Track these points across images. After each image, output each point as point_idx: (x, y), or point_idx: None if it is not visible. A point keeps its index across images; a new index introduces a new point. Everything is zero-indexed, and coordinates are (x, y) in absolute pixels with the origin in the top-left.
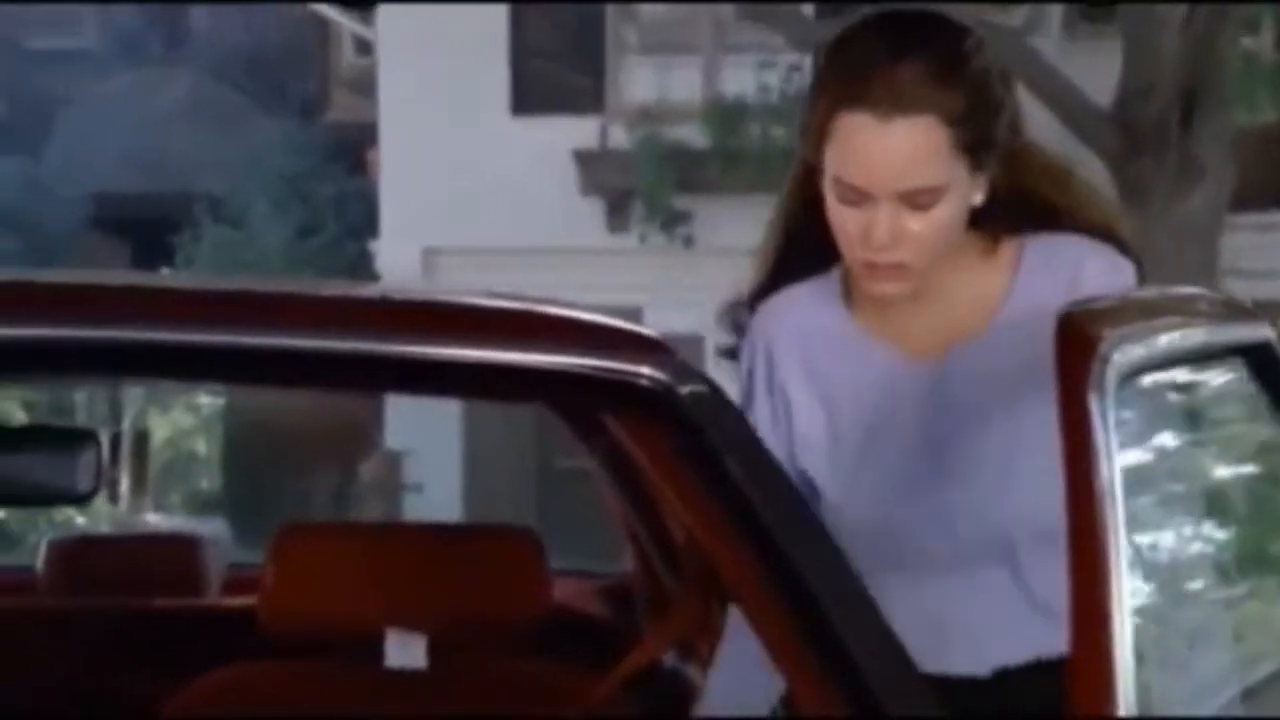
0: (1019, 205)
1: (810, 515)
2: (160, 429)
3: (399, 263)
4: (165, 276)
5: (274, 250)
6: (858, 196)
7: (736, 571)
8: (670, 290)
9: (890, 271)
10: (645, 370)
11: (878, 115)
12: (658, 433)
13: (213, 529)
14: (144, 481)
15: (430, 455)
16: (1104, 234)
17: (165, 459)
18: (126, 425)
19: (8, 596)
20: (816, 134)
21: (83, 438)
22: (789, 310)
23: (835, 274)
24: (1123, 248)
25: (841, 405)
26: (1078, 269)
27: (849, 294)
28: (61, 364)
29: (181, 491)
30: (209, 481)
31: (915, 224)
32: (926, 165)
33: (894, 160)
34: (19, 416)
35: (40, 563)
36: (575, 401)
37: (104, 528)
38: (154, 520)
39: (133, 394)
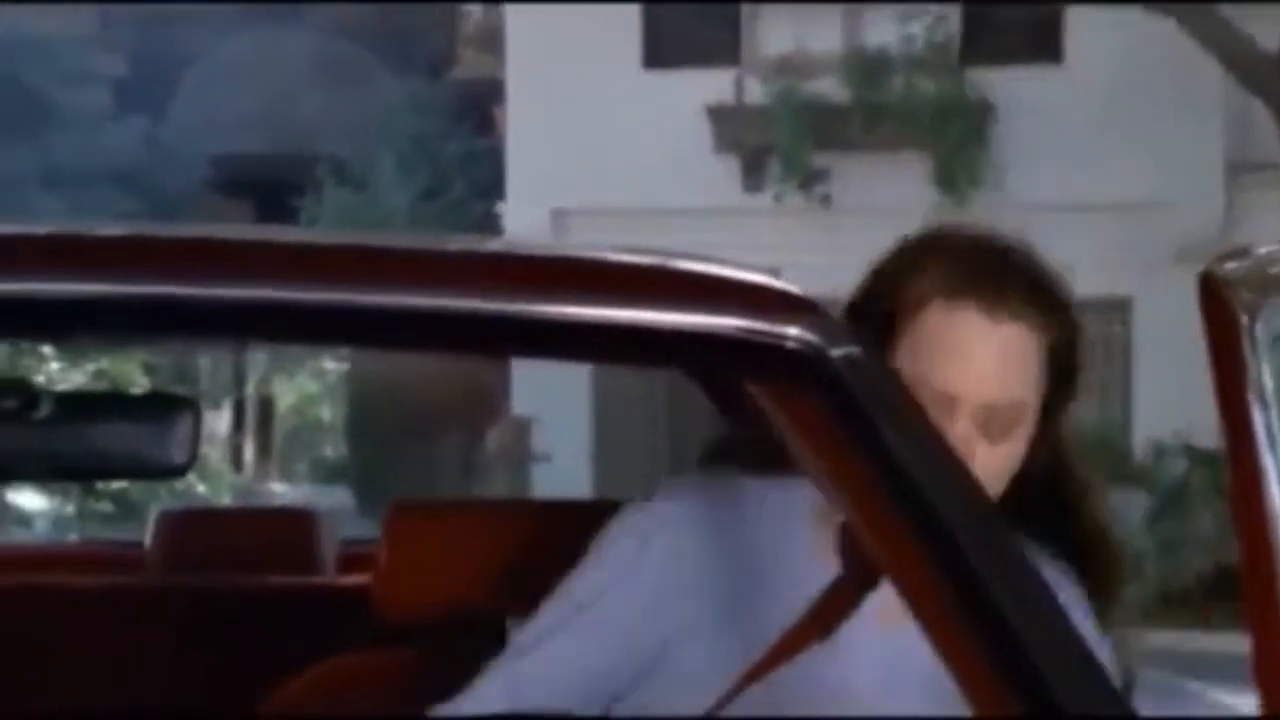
0: (1039, 485)
1: (979, 494)
2: (285, 395)
3: (527, 224)
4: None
5: (398, 212)
6: (934, 405)
7: (893, 551)
8: (807, 252)
9: None
10: (794, 331)
11: (987, 314)
12: (807, 400)
13: (336, 498)
14: (269, 449)
15: (558, 423)
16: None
17: (290, 426)
18: (250, 391)
19: (114, 572)
20: (890, 322)
21: (179, 405)
22: (726, 507)
23: (793, 485)
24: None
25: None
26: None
27: (816, 521)
28: (181, 324)
29: (306, 459)
30: (333, 449)
31: (986, 455)
32: (1022, 383)
33: (995, 366)
34: (140, 381)
35: (148, 537)
36: (715, 366)
37: (227, 498)
38: (278, 489)
39: (257, 359)
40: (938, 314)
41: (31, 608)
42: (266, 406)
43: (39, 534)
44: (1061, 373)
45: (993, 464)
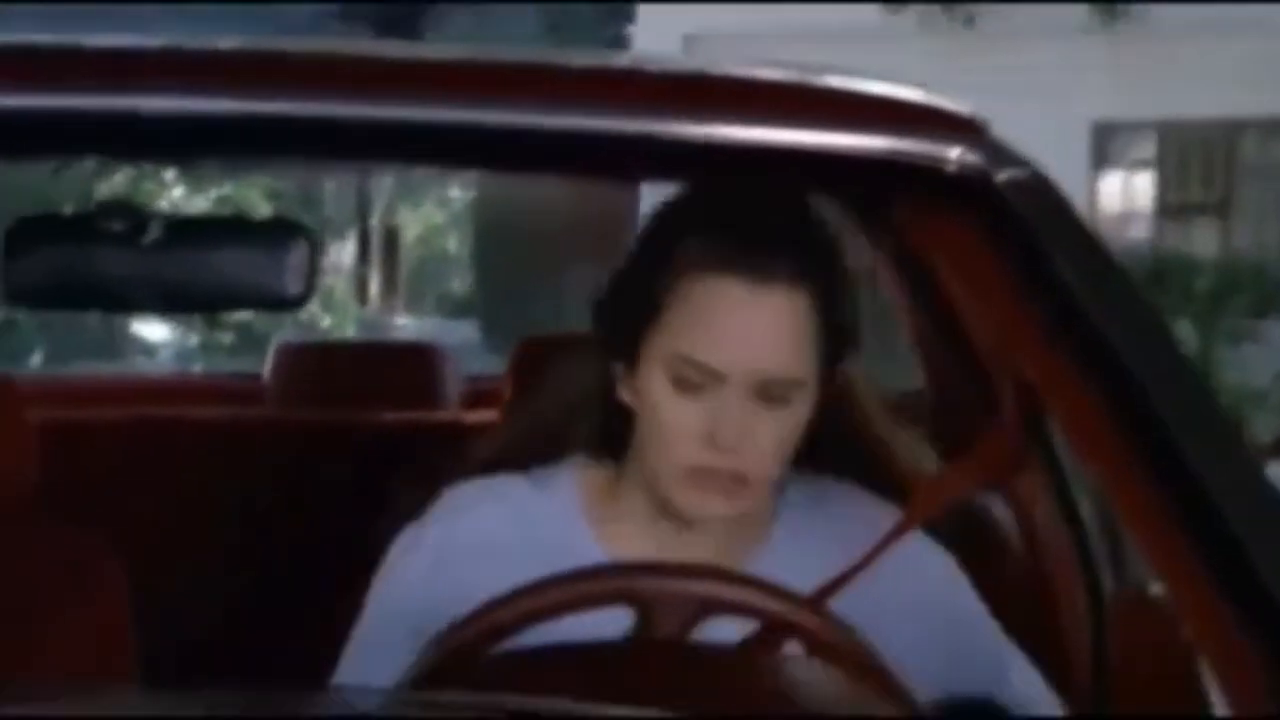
0: (834, 438)
1: (1161, 333)
2: (411, 225)
3: (658, 49)
4: (409, 45)
5: (522, 37)
6: (704, 381)
7: (1067, 398)
8: (949, 76)
9: (727, 485)
10: (954, 153)
11: (749, 284)
12: (969, 229)
13: (462, 333)
14: (394, 281)
15: None
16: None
17: (415, 257)
18: (375, 221)
19: (232, 404)
20: (655, 300)
21: (296, 233)
22: (489, 511)
23: (568, 476)
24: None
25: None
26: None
27: (594, 509)
28: (304, 145)
29: (432, 292)
30: (460, 282)
31: (766, 426)
32: (794, 351)
33: (762, 338)
34: (263, 209)
35: (267, 370)
36: (865, 192)
37: (351, 331)
38: (403, 323)
39: (382, 186)
40: (700, 286)
41: (149, 440)
42: (392, 237)
43: (162, 365)
44: (841, 321)
45: (780, 436)
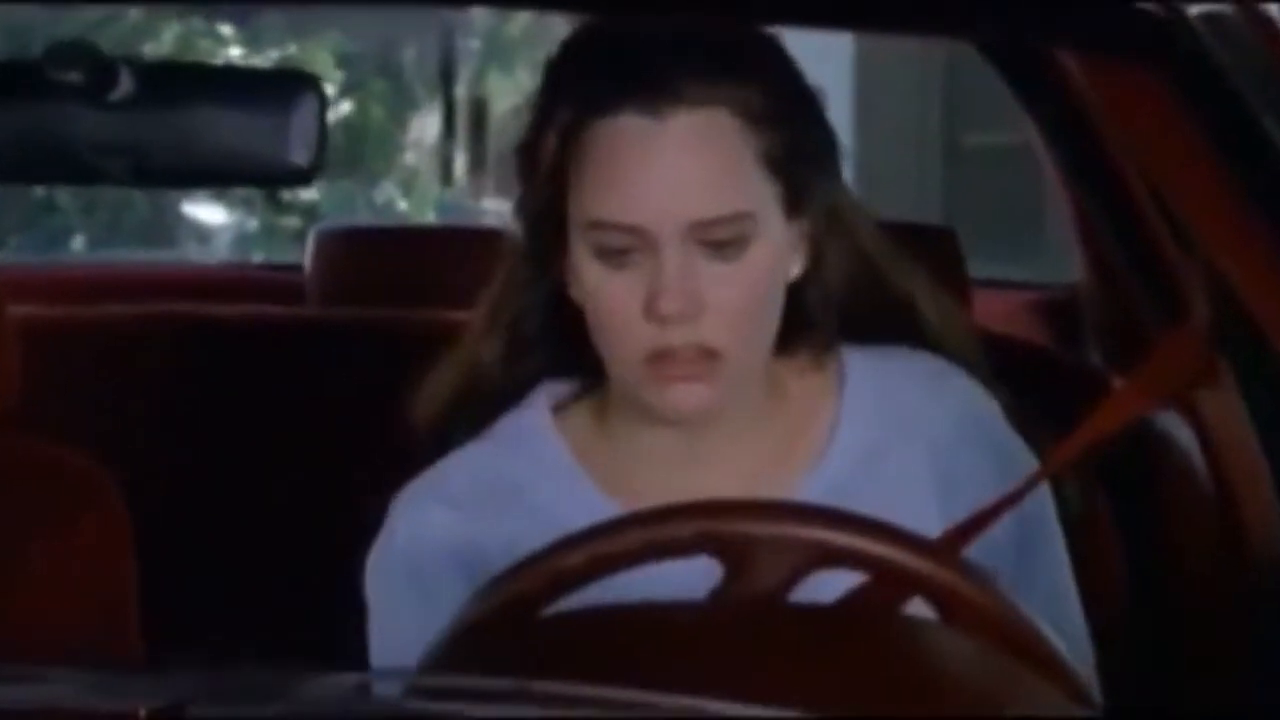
0: (844, 298)
1: None
2: (501, 95)
3: None
4: None
5: None
6: (628, 244)
7: (1273, 292)
8: None
9: (692, 366)
10: None
11: (648, 113)
12: (1158, 80)
13: None
14: (483, 158)
15: None
16: (960, 356)
17: (507, 131)
18: (461, 90)
19: (269, 298)
20: (553, 165)
21: (297, 85)
22: (476, 479)
23: (544, 420)
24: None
25: None
26: (944, 451)
27: (588, 452)
28: None
29: None
30: None
31: (722, 281)
32: (725, 179)
33: (679, 173)
34: (333, 75)
35: (307, 260)
36: (1018, 34)
37: (431, 215)
38: (492, 206)
39: (467, 50)
40: (592, 133)
41: (156, 341)
42: (480, 108)
43: (218, 252)
44: (790, 138)
45: (744, 289)
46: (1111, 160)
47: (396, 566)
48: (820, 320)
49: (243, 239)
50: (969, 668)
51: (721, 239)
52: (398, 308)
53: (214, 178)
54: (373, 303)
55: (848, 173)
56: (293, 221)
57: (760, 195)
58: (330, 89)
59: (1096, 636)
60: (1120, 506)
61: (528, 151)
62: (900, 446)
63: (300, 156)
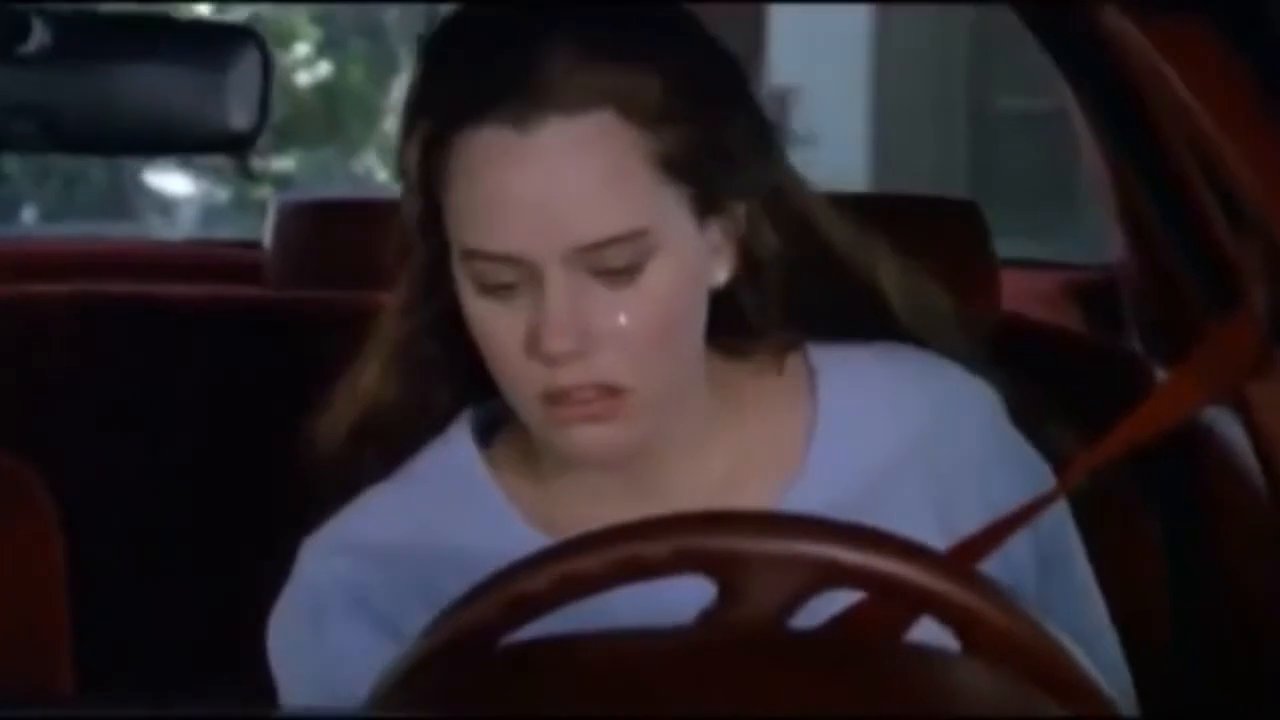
0: (793, 291)
1: None
2: None
3: None
4: None
5: None
6: (508, 276)
7: None
8: None
9: (593, 406)
10: None
11: (513, 123)
12: (1206, 33)
13: None
14: None
15: (827, 95)
16: (940, 341)
17: None
18: None
19: (224, 278)
20: (420, 183)
21: (236, 42)
22: (389, 525)
23: (469, 455)
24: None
25: None
26: (938, 458)
27: (516, 487)
28: None
29: None
30: None
31: (614, 308)
32: (610, 196)
33: (552, 192)
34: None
35: (266, 235)
36: None
37: None
38: None
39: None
40: (452, 150)
41: (91, 327)
42: None
43: (183, 226)
44: (694, 133)
45: (643, 315)
46: (1156, 126)
47: (304, 627)
48: (763, 323)
49: (211, 211)
50: (992, 702)
51: (613, 265)
52: (368, 289)
53: (139, 144)
54: (340, 284)
55: (862, 140)
56: (266, 193)
57: (658, 207)
58: (306, 48)
59: (1133, 659)
60: (1161, 512)
61: (401, 166)
62: (888, 455)
63: (240, 120)
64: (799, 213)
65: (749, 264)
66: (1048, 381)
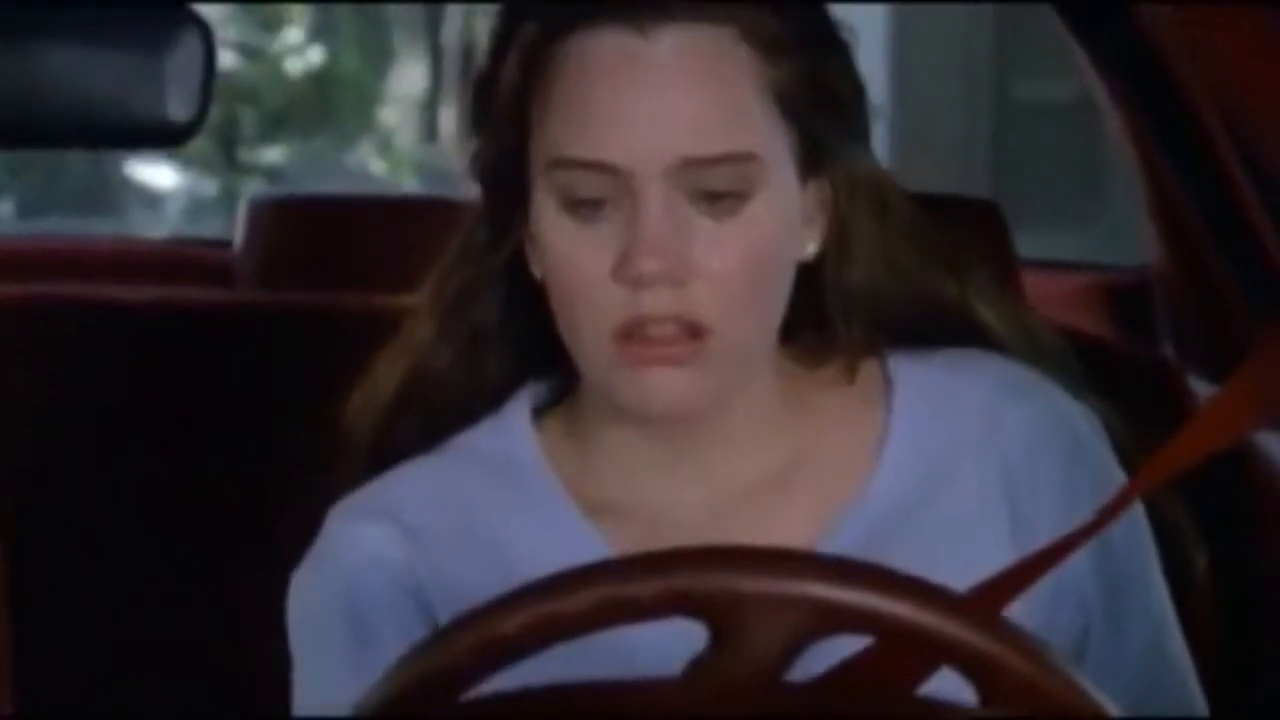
0: (872, 293)
1: None
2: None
3: None
4: None
5: None
6: (600, 190)
7: None
8: None
9: (673, 346)
10: None
11: (632, 26)
12: (1249, 16)
13: None
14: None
15: None
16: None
17: None
18: (450, 37)
19: (192, 279)
20: (514, 96)
21: (173, 20)
22: (430, 501)
23: (523, 434)
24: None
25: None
26: (1022, 482)
27: (563, 468)
28: None
29: None
30: None
31: (714, 239)
32: (726, 113)
33: (667, 101)
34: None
35: (237, 236)
36: None
37: (410, 179)
38: None
39: None
40: (566, 52)
41: (60, 327)
42: (468, 58)
43: (169, 220)
44: (809, 75)
45: (743, 250)
46: (1195, 117)
47: (326, 596)
48: (841, 315)
49: (197, 205)
50: None
51: (717, 188)
52: (343, 291)
53: (66, 136)
54: (313, 285)
55: (881, 132)
56: (255, 185)
57: (769, 138)
58: (298, 33)
59: None
60: (1206, 539)
61: (485, 85)
62: (967, 476)
63: (178, 110)
64: (883, 204)
65: (837, 244)
66: (1073, 392)
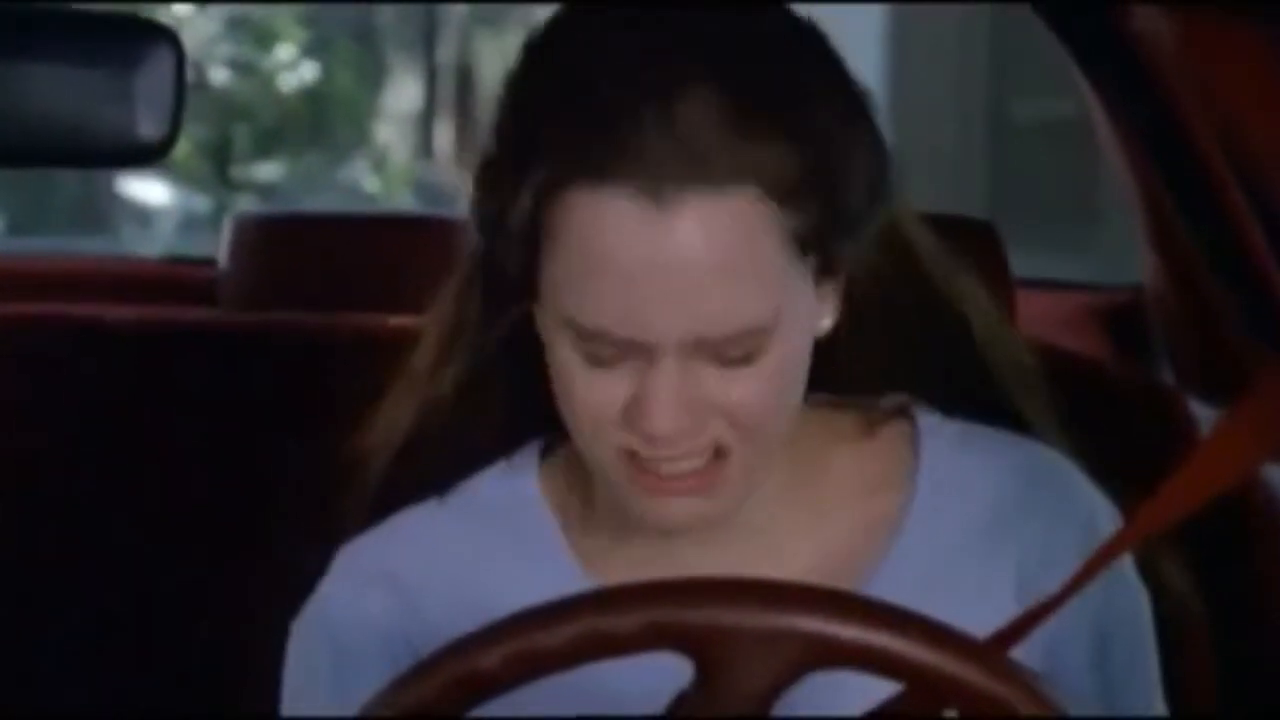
0: (892, 335)
1: None
2: (490, 61)
3: None
4: None
5: None
6: (615, 353)
7: None
8: None
9: (689, 479)
10: None
11: (650, 191)
12: (1250, 34)
13: None
14: (468, 131)
15: None
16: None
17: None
18: (447, 56)
19: (175, 298)
20: (524, 233)
21: (146, 35)
22: (429, 566)
23: (530, 488)
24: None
25: None
26: (1033, 567)
27: (565, 507)
28: None
29: None
30: None
31: (726, 384)
32: (744, 285)
33: (686, 282)
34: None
35: (221, 255)
36: None
37: (406, 195)
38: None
39: (454, 11)
40: (565, 207)
41: (37, 346)
42: (465, 76)
43: (162, 237)
44: (827, 207)
45: (756, 397)
46: (1191, 136)
47: (322, 640)
48: (856, 374)
49: (190, 222)
50: None
51: (733, 355)
52: (329, 311)
53: (29, 155)
54: (299, 304)
55: None
56: (248, 202)
57: (787, 289)
58: (292, 50)
59: None
60: (1203, 581)
61: (495, 209)
62: (978, 571)
63: (149, 129)
64: (907, 247)
65: (852, 305)
66: (1069, 416)
